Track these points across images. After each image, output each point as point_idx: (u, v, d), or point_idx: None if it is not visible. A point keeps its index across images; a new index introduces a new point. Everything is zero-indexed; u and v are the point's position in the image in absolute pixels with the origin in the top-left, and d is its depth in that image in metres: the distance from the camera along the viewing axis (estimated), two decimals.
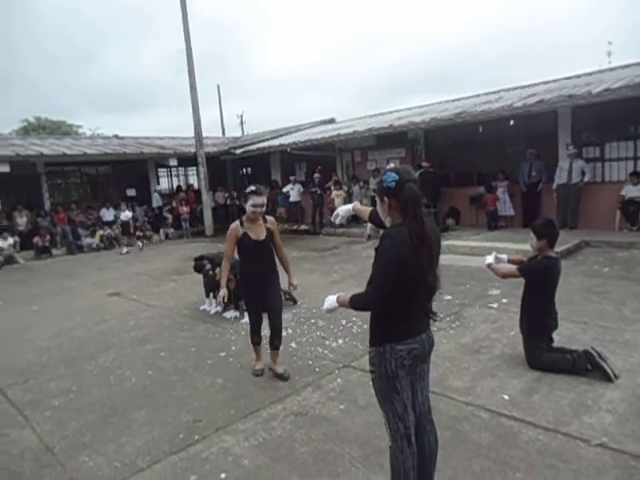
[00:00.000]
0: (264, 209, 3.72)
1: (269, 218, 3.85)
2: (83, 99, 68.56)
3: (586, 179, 9.23)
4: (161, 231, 14.86)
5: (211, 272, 6.07)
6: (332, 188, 12.93)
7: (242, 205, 17.64)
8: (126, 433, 3.20)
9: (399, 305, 1.95)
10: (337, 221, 2.74)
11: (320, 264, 8.67)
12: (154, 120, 65.16)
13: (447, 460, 2.54)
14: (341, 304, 2.16)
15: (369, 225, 10.90)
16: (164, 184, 17.98)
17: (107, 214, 14.41)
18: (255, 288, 3.79)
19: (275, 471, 2.64)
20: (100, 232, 13.55)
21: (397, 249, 1.88)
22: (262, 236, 3.72)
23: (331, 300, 2.21)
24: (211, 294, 6.16)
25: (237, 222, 3.74)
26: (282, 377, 3.85)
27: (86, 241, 13.35)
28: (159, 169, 17.09)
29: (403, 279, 1.89)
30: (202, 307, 6.22)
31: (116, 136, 18.43)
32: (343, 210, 2.70)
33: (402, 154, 12.71)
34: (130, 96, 75.02)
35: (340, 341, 4.64)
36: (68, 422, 3.42)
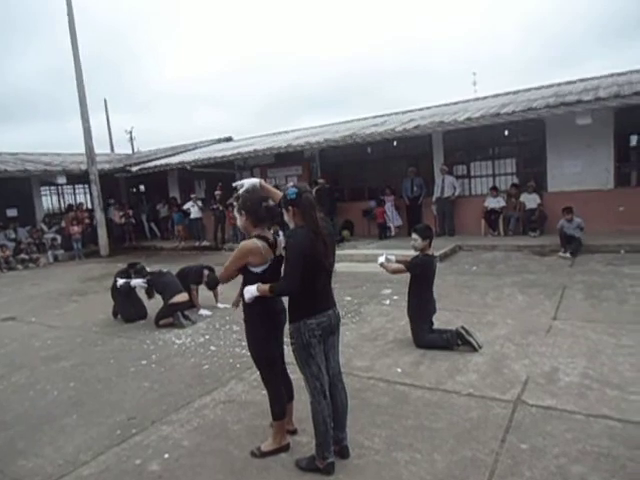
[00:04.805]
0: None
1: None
2: None
3: (457, 193, 10.78)
4: (49, 253, 13.96)
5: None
6: (234, 204, 13.25)
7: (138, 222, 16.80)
8: (61, 437, 3.34)
9: (306, 287, 2.52)
10: (241, 190, 2.93)
11: None
12: (27, 135, 59.26)
13: (357, 419, 3.14)
14: (261, 292, 2.65)
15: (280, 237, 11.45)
16: (49, 203, 16.82)
17: None
18: (275, 330, 2.88)
19: (213, 445, 3.04)
20: None
21: (300, 243, 2.49)
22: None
23: (251, 290, 2.68)
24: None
25: (254, 239, 2.80)
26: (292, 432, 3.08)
27: None
28: (42, 187, 15.99)
29: (307, 266, 2.49)
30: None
31: None
32: (249, 182, 2.96)
33: (299, 171, 13.54)
34: None
35: None
36: None
